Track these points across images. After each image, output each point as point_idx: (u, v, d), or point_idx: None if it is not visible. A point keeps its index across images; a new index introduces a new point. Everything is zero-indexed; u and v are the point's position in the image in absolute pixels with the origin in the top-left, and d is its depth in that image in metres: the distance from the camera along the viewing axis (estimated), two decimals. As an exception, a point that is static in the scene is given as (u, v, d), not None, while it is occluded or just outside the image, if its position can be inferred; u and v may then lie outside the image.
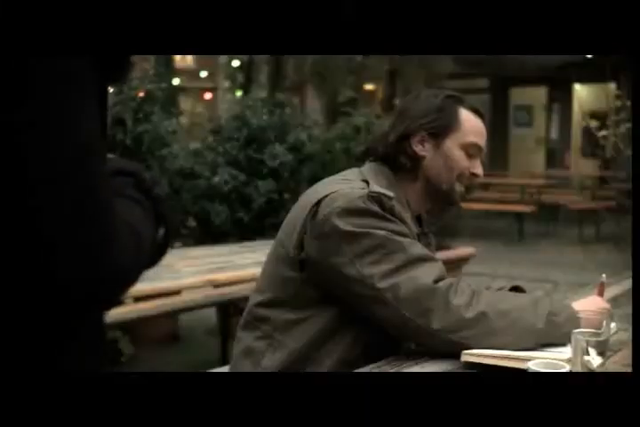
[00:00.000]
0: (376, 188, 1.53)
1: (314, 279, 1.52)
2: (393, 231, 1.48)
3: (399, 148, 1.64)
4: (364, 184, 1.55)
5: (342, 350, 1.52)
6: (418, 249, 1.49)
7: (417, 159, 1.64)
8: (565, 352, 1.35)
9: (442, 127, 1.64)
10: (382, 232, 1.46)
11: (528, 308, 1.46)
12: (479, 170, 1.67)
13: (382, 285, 1.43)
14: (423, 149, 1.64)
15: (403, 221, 1.53)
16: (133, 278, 0.72)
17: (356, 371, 1.40)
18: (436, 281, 1.44)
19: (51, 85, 0.63)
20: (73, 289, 0.64)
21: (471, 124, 1.66)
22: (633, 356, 1.22)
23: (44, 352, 0.69)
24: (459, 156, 1.64)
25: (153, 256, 0.81)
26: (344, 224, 1.46)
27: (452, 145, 1.64)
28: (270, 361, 1.54)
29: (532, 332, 1.43)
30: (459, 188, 1.66)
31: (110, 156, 0.79)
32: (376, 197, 1.49)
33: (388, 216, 1.50)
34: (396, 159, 1.64)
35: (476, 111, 1.69)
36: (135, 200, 0.78)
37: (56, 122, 0.63)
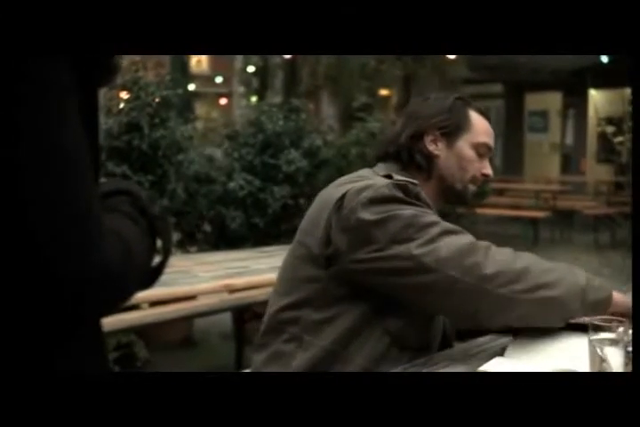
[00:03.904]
0: (400, 177, 1.54)
1: (341, 275, 1.50)
2: (420, 211, 1.47)
3: (412, 147, 1.66)
4: (385, 178, 1.55)
5: (371, 346, 1.50)
6: (449, 224, 1.48)
7: (431, 158, 1.66)
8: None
9: (454, 127, 1.67)
10: (409, 211, 1.45)
11: (566, 268, 1.49)
12: (489, 170, 1.71)
13: (420, 251, 1.40)
14: (437, 148, 1.66)
15: (429, 207, 1.52)
16: (124, 283, 0.73)
17: (373, 372, 1.40)
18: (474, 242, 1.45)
19: (26, 91, 0.63)
20: (60, 285, 0.65)
21: (481, 125, 1.71)
22: (633, 356, 1.22)
23: (39, 353, 0.70)
24: (471, 156, 1.68)
25: (155, 270, 0.82)
26: (370, 214, 1.44)
27: (464, 145, 1.67)
28: (299, 362, 1.51)
29: (578, 287, 1.44)
30: (471, 187, 1.70)
31: (104, 180, 0.81)
32: (402, 185, 1.49)
33: (414, 201, 1.49)
34: (409, 159, 1.66)
35: (482, 113, 1.73)
36: (128, 215, 0.79)
37: (32, 127, 0.63)
